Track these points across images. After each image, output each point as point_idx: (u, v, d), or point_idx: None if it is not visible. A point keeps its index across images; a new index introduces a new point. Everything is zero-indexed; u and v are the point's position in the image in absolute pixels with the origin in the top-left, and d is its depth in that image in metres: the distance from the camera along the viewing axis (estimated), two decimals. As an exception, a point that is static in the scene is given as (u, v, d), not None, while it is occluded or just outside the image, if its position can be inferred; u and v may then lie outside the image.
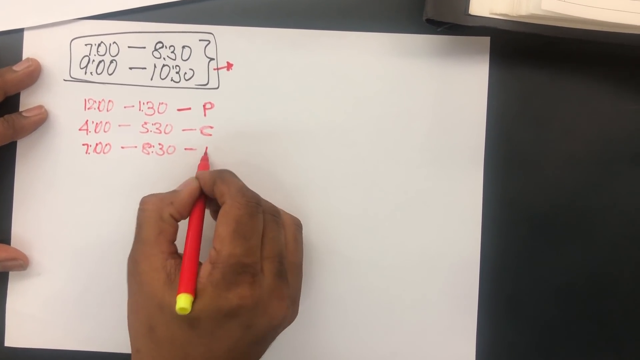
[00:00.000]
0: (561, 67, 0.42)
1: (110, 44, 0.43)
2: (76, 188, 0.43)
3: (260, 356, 0.37)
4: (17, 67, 0.41)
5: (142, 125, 0.43)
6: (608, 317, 0.43)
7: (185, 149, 0.43)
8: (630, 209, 0.43)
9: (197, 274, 0.34)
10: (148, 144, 0.43)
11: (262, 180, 0.42)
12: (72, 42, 0.43)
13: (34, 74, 0.42)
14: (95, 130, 0.43)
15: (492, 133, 0.42)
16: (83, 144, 0.43)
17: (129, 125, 0.43)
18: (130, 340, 0.36)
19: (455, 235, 0.43)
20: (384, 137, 0.43)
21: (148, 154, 0.43)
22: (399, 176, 0.43)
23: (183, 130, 0.43)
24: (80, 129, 0.43)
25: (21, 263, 0.42)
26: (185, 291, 0.33)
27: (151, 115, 0.43)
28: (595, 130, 0.42)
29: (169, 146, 0.43)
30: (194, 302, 0.33)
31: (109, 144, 0.43)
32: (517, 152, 0.42)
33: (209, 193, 0.37)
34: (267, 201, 0.38)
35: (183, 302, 0.33)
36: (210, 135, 0.43)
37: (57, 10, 0.42)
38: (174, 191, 0.37)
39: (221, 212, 0.35)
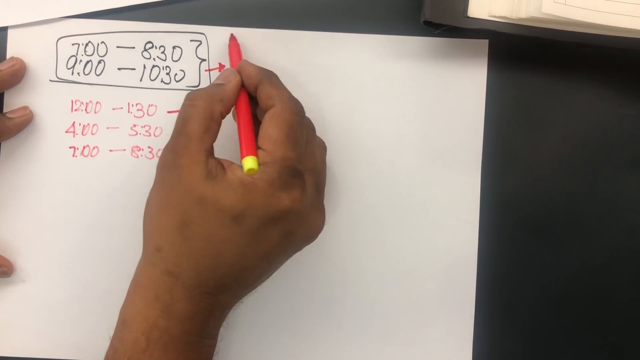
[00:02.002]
0: (560, 70, 0.42)
1: (98, 44, 0.42)
2: (62, 192, 0.42)
3: (273, 271, 0.37)
4: (1, 67, 0.40)
5: (131, 128, 0.42)
6: (605, 322, 0.43)
7: (176, 152, 0.42)
8: (627, 214, 0.42)
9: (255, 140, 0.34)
10: (137, 147, 0.42)
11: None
12: (59, 41, 0.42)
13: (19, 73, 0.41)
14: (82, 133, 0.42)
15: (490, 136, 0.42)
16: (70, 147, 0.42)
17: (118, 127, 0.42)
18: (148, 239, 0.35)
19: (452, 239, 0.42)
20: (380, 140, 0.42)
21: (137, 157, 0.42)
22: (395, 179, 0.42)
23: (173, 133, 0.42)
24: (66, 131, 0.42)
25: (5, 270, 0.41)
26: (249, 154, 0.33)
27: (140, 117, 0.42)
28: (594, 134, 0.42)
29: (159, 149, 0.42)
30: (242, 195, 0.33)
31: (96, 146, 0.42)
32: (515, 156, 0.42)
33: (250, 90, 0.36)
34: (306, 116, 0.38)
35: (251, 163, 0.33)
36: (202, 138, 0.42)
37: (43, 8, 0.41)
38: (219, 85, 0.36)
39: (271, 114, 0.35)
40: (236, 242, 0.33)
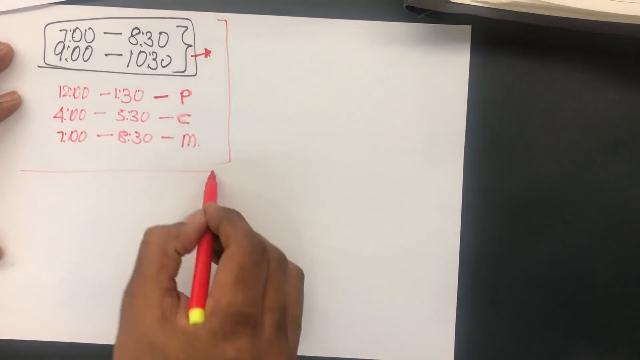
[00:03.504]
0: (543, 56, 0.42)
1: (85, 30, 0.42)
2: (50, 176, 0.42)
3: None
4: (-12, 52, 0.41)
5: (119, 113, 0.42)
6: (587, 306, 0.43)
7: (163, 137, 0.42)
8: (611, 199, 0.42)
9: (208, 291, 0.33)
10: (124, 132, 0.42)
11: (239, 169, 0.42)
12: (47, 27, 0.42)
13: (6, 58, 0.41)
14: (70, 118, 0.42)
15: (473, 122, 0.42)
16: (58, 132, 0.42)
17: (105, 112, 0.42)
18: None
19: (435, 225, 0.42)
20: (362, 126, 0.42)
21: (124, 142, 0.42)
22: (378, 165, 0.42)
23: (160, 118, 0.42)
24: (54, 117, 0.42)
25: (-6, 253, 0.42)
26: (196, 305, 0.32)
27: (127, 102, 0.42)
28: (577, 119, 0.42)
29: (146, 134, 0.42)
30: (185, 345, 0.31)
31: (84, 131, 0.42)
32: (498, 142, 0.42)
33: (214, 230, 0.35)
34: (274, 247, 0.36)
35: (195, 316, 0.32)
36: (188, 123, 0.42)
37: (30, -6, 0.41)
38: (181, 224, 0.35)
39: (224, 256, 0.33)
40: None
